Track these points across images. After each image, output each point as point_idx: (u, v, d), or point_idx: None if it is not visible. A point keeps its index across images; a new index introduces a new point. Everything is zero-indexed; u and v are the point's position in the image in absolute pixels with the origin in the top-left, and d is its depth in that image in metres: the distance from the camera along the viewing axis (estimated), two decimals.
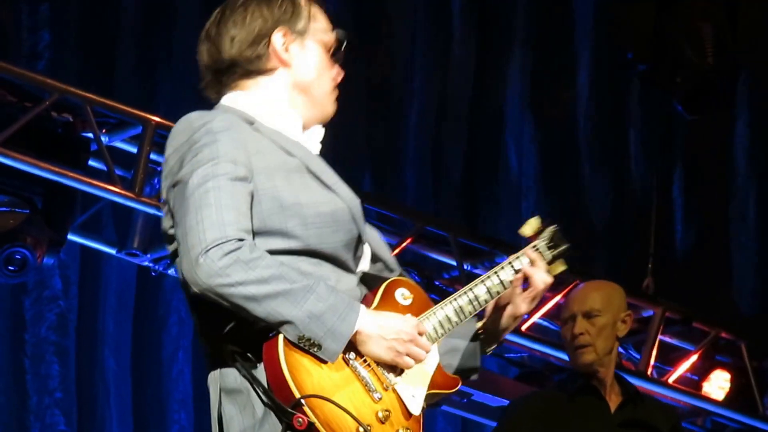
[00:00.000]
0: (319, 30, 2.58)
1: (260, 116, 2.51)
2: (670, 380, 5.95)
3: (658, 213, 6.48)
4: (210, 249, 2.27)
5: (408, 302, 2.49)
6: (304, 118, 2.55)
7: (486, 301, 2.56)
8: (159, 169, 4.93)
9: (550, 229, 2.67)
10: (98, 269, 5.46)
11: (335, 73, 2.59)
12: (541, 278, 2.56)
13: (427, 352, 2.39)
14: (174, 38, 5.59)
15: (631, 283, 6.02)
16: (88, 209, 5.03)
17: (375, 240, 2.58)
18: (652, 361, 5.83)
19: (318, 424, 2.29)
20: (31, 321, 5.31)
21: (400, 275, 2.55)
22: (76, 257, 5.40)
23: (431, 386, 2.46)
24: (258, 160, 2.43)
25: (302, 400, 2.27)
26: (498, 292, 2.57)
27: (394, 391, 2.41)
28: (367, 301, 2.45)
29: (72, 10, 5.44)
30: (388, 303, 2.47)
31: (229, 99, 2.53)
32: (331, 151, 6.54)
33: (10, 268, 4.69)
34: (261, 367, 2.34)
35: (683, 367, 5.98)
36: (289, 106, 2.53)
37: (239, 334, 2.37)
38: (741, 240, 7.01)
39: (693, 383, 6.07)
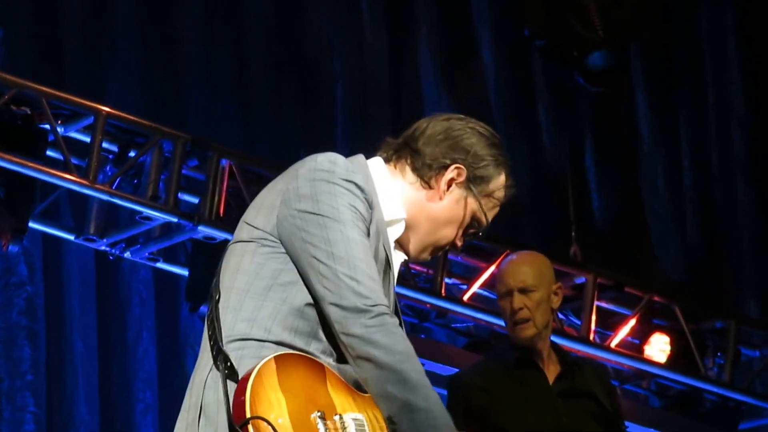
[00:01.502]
0: (485, 204, 2.58)
1: (382, 200, 2.53)
2: (612, 344, 6.00)
3: (573, 183, 6.58)
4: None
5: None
6: (407, 238, 2.56)
7: None
8: (111, 157, 5.01)
9: None
10: (60, 255, 5.46)
11: (454, 239, 2.59)
12: None
13: None
14: (116, 32, 5.63)
15: (559, 251, 6.10)
16: (46, 197, 5.08)
17: None
18: (592, 327, 5.87)
19: None
20: (1, 307, 5.35)
21: None
22: (39, 244, 5.39)
23: None
24: (371, 233, 2.47)
25: (250, 422, 2.29)
26: None
27: None
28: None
29: (22, 7, 5.48)
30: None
31: (381, 167, 2.57)
32: (268, 139, 6.65)
33: None
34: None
35: (623, 332, 6.02)
36: (408, 218, 2.54)
37: (243, 352, 2.41)
38: (654, 207, 7.06)
39: (635, 347, 6.10)
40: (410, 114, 6.63)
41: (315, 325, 2.47)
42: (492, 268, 5.68)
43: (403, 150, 2.59)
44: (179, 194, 5.14)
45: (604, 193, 7.04)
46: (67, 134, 4.96)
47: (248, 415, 2.32)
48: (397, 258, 2.60)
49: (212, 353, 2.46)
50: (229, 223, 5.10)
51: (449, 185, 2.57)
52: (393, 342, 2.39)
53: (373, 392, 2.43)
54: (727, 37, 7.42)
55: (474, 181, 2.58)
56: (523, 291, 3.94)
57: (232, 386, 2.40)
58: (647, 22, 6.71)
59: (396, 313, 2.57)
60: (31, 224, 5.02)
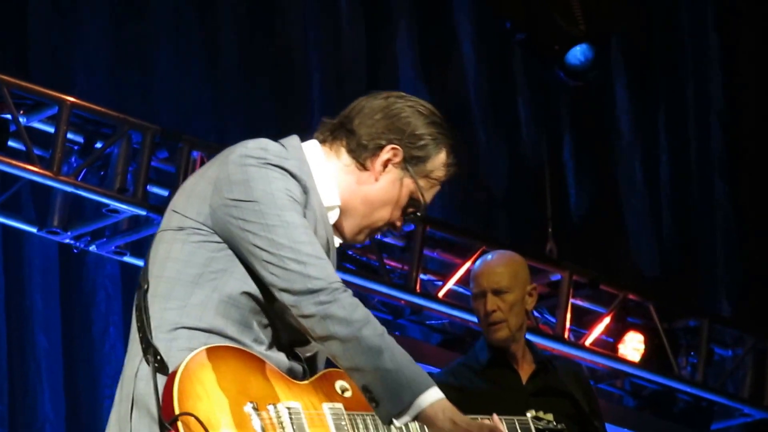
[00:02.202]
0: (423, 184, 2.52)
1: (318, 183, 2.49)
2: (587, 343, 6.00)
3: (551, 178, 6.56)
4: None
5: (347, 395, 2.49)
6: (343, 220, 2.52)
7: None
8: (76, 148, 4.93)
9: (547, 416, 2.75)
10: (21, 248, 5.40)
11: (392, 220, 2.54)
12: None
13: None
14: (83, 19, 5.53)
15: (535, 247, 6.08)
16: (7, 189, 4.99)
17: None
18: (567, 325, 5.88)
19: None
20: None
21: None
22: None
23: None
24: (307, 217, 2.42)
25: (179, 418, 2.26)
26: None
27: None
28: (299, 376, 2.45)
29: None
30: (323, 387, 2.47)
31: (316, 150, 2.51)
32: (240, 131, 6.55)
33: None
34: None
35: (597, 330, 6.03)
36: (343, 201, 2.51)
37: (173, 343, 2.37)
38: (632, 203, 7.03)
39: (609, 345, 6.10)
40: None
41: (247, 313, 2.43)
42: (467, 264, 5.63)
43: (339, 131, 2.52)
44: (148, 186, 5.06)
45: (581, 188, 7.00)
46: (29, 124, 4.90)
47: (177, 411, 2.28)
48: (335, 242, 2.56)
49: (141, 345, 2.41)
50: None
51: (385, 166, 2.51)
52: (349, 312, 2.35)
53: (344, 367, 2.40)
54: (708, 32, 7.38)
55: (411, 162, 2.51)
56: (497, 293, 3.89)
57: (162, 379, 2.36)
58: (628, 16, 6.60)
59: None
60: None
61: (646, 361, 6.11)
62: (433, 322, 5.92)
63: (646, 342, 6.11)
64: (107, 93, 5.39)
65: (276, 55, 6.20)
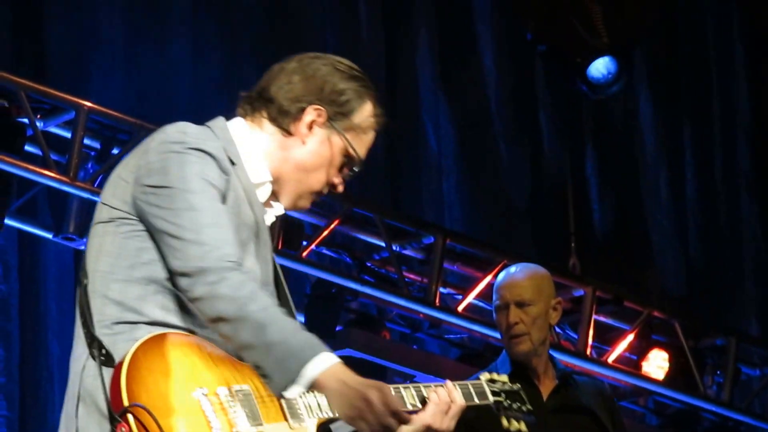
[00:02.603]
0: (353, 139, 2.51)
1: (246, 161, 2.49)
2: (610, 360, 5.97)
3: (574, 192, 6.58)
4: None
5: None
6: (278, 189, 2.52)
7: None
8: (93, 154, 4.95)
9: (502, 377, 2.74)
10: (36, 254, 5.39)
11: (332, 180, 2.53)
12: (455, 402, 2.60)
13: (384, 423, 2.31)
14: (100, 25, 5.56)
15: (558, 262, 6.08)
16: (24, 194, 5.00)
17: None
18: (590, 341, 5.86)
19: None
20: None
21: None
22: (14, 242, 5.33)
23: None
24: (228, 197, 2.43)
25: (128, 409, 2.25)
26: (412, 404, 2.58)
27: None
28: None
29: None
30: None
31: (240, 126, 2.51)
32: None
33: None
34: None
35: (621, 347, 6.01)
36: (273, 170, 2.50)
37: (118, 337, 2.37)
38: (657, 219, 7.03)
39: (632, 363, 6.08)
40: (406, 118, 6.56)
41: (185, 299, 2.43)
42: (488, 278, 5.62)
43: (258, 102, 2.52)
44: None
45: (604, 203, 7.01)
46: (46, 129, 4.91)
47: (126, 403, 2.29)
48: (277, 211, 2.56)
49: (86, 340, 2.41)
50: None
51: (310, 128, 2.51)
52: (234, 290, 2.33)
53: (234, 347, 2.38)
54: (735, 46, 7.38)
55: (336, 119, 2.50)
56: (520, 305, 3.86)
57: (109, 372, 2.35)
58: (652, 28, 6.60)
59: (277, 280, 2.56)
60: (6, 221, 4.94)
61: (671, 380, 6.09)
62: (451, 336, 5.91)
63: (670, 360, 6.09)
64: (124, 98, 5.40)
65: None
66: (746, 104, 7.31)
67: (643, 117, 7.15)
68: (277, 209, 2.55)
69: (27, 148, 4.81)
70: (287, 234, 5.26)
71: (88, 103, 4.84)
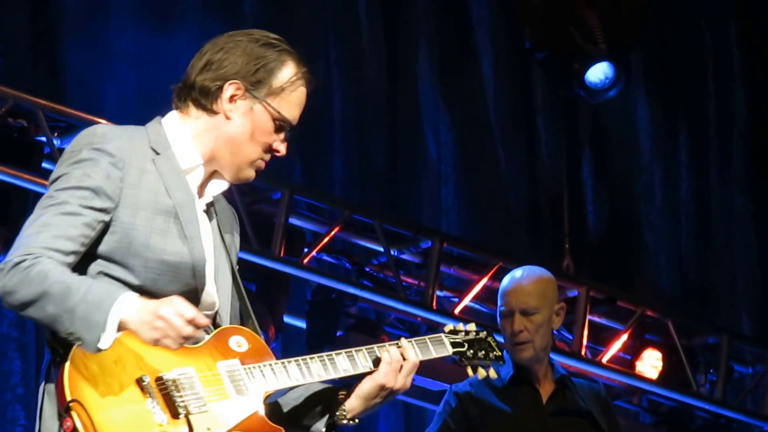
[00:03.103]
0: (279, 103, 2.58)
1: (174, 147, 2.57)
2: (604, 360, 5.99)
3: (569, 195, 6.61)
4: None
5: (242, 349, 2.54)
6: (218, 168, 2.60)
7: (346, 371, 2.59)
8: None
9: (469, 326, 2.73)
10: None
11: (269, 146, 2.59)
12: (408, 361, 2.61)
13: (185, 334, 2.36)
14: (114, 46, 5.65)
15: (552, 264, 6.01)
16: None
17: (226, 306, 2.62)
18: (584, 342, 5.88)
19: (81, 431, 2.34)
20: None
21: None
22: None
23: (239, 427, 2.48)
24: (130, 194, 2.50)
25: (70, 405, 2.34)
26: (365, 366, 2.61)
27: (188, 420, 2.42)
28: None
29: (20, 20, 5.49)
30: (219, 346, 2.52)
31: (172, 118, 2.61)
32: None
33: None
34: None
35: (615, 347, 6.02)
36: (205, 151, 2.57)
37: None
38: (650, 220, 7.03)
39: (626, 362, 6.10)
40: (408, 125, 6.64)
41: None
42: (484, 281, 5.69)
43: (183, 91, 2.61)
44: None
45: (599, 205, 7.04)
46: (63, 147, 4.98)
47: (68, 398, 2.37)
48: (220, 187, 2.63)
49: (46, 338, 2.53)
50: None
51: (232, 102, 2.57)
52: (24, 275, 2.40)
53: (45, 325, 2.44)
54: (731, 49, 7.41)
55: (255, 87, 2.57)
56: (525, 313, 3.91)
57: (58, 371, 2.45)
58: (648, 35, 6.68)
59: (234, 271, 2.62)
60: None
61: (664, 378, 6.12)
62: None
63: (664, 359, 6.13)
64: (137, 117, 5.59)
65: None
66: (741, 108, 7.33)
67: (639, 120, 7.17)
68: (221, 185, 2.62)
69: (44, 165, 4.92)
70: (289, 242, 5.34)
71: (103, 121, 4.87)
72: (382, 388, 2.60)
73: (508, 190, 6.81)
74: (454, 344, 2.74)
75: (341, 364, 2.58)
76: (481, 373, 2.72)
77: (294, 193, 5.43)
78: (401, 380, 2.61)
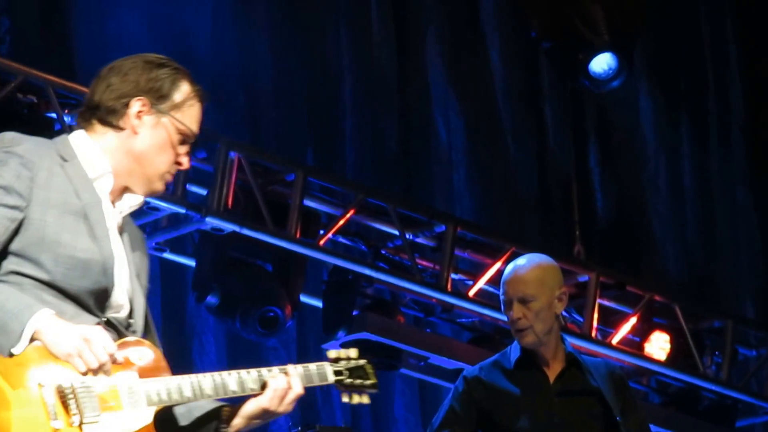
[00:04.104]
0: (181, 116, 2.58)
1: (80, 157, 2.56)
2: (614, 342, 5.91)
3: (578, 183, 6.51)
4: None
5: (141, 363, 2.49)
6: (129, 182, 2.60)
7: (234, 393, 2.56)
8: None
9: (350, 353, 2.69)
10: None
11: (176, 159, 2.58)
12: (291, 390, 2.58)
13: (101, 361, 2.36)
14: (125, 22, 5.46)
15: (563, 249, 6.01)
16: None
17: (138, 303, 2.60)
18: (594, 324, 5.80)
19: None
20: None
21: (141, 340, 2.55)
22: None
23: None
24: (40, 194, 2.48)
25: None
26: (252, 389, 2.57)
27: (81, 428, 2.37)
28: None
29: None
30: (123, 359, 2.48)
31: (78, 135, 2.60)
32: (274, 132, 6.48)
33: None
34: None
35: (624, 329, 5.96)
36: (115, 166, 2.57)
37: None
38: (657, 207, 6.97)
39: (635, 344, 6.02)
40: (417, 112, 6.51)
41: (36, 292, 2.47)
42: (497, 265, 5.57)
43: (87, 112, 2.60)
44: (187, 185, 4.99)
45: (607, 193, 6.95)
46: (73, 123, 4.77)
47: None
48: (133, 201, 2.63)
49: None
50: (237, 214, 4.99)
51: (139, 117, 2.57)
52: None
53: None
54: (728, 45, 7.32)
55: (159, 102, 2.58)
56: (522, 301, 3.77)
57: None
58: (650, 27, 6.52)
59: (139, 273, 2.61)
60: None
61: (672, 360, 6.04)
62: (463, 320, 5.83)
63: (671, 342, 6.04)
64: None
65: (308, 62, 6.14)
66: (740, 100, 7.25)
67: (642, 112, 7.10)
68: (134, 200, 2.62)
69: None
70: (305, 223, 5.17)
71: None
72: (266, 411, 2.60)
73: (518, 178, 6.78)
74: (336, 373, 2.71)
75: (231, 385, 2.56)
76: (355, 398, 2.70)
77: (308, 175, 5.23)
78: (284, 407, 2.61)
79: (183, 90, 2.57)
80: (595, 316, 5.78)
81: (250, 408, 2.56)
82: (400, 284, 5.41)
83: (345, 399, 2.68)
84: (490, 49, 6.64)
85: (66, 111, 4.69)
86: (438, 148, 6.46)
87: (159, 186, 2.60)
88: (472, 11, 6.63)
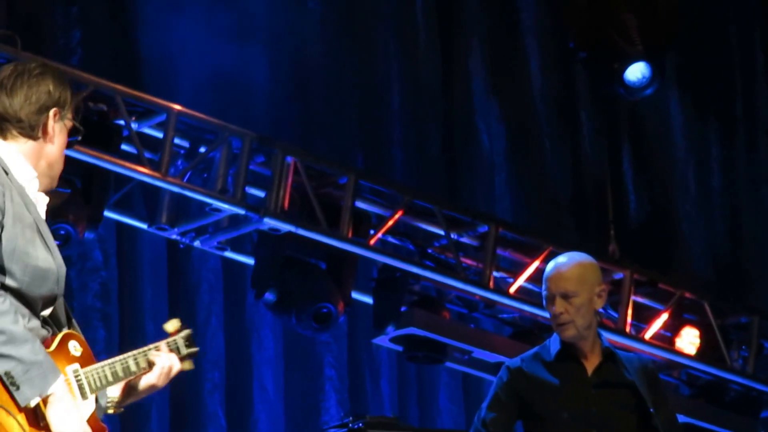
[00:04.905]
0: (73, 117, 2.68)
1: (14, 170, 2.60)
2: (646, 336, 5.87)
3: (612, 185, 6.49)
4: None
5: (78, 354, 2.58)
6: (41, 186, 2.65)
7: (134, 373, 2.67)
8: (182, 152, 4.88)
9: (187, 331, 2.81)
10: (133, 242, 5.36)
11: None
12: (173, 366, 2.70)
13: None
14: (189, 36, 5.45)
15: (598, 248, 5.94)
16: (120, 188, 4.96)
17: (60, 303, 2.65)
18: (628, 320, 5.75)
19: None
20: (77, 290, 5.20)
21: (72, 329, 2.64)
22: (113, 232, 5.29)
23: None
24: (9, 206, 2.54)
25: None
26: (143, 368, 2.68)
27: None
28: (47, 343, 2.54)
29: (99, 10, 5.35)
30: (63, 351, 2.55)
31: (3, 146, 2.60)
32: (327, 138, 6.45)
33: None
34: None
35: (656, 325, 5.91)
36: (35, 170, 2.62)
37: None
38: (686, 208, 6.91)
39: (666, 339, 5.97)
40: (460, 118, 6.50)
41: None
42: (537, 263, 5.54)
43: (4, 124, 2.63)
44: (246, 188, 5.01)
45: (640, 195, 6.90)
46: (140, 130, 4.87)
47: None
48: (44, 201, 2.67)
49: None
50: (294, 215, 5.00)
51: (53, 127, 2.64)
52: None
53: None
54: (756, 53, 7.23)
55: (64, 109, 2.66)
56: (565, 296, 3.72)
57: None
58: (682, 36, 6.41)
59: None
60: (106, 213, 4.91)
61: (701, 354, 6.00)
62: (504, 315, 5.79)
63: (701, 337, 5.99)
64: (210, 103, 5.25)
65: (359, 72, 6.14)
66: (766, 105, 7.16)
67: (673, 117, 7.03)
68: (44, 199, 2.66)
69: (123, 147, 4.77)
70: (356, 224, 5.17)
71: (178, 107, 4.80)
72: (153, 386, 2.73)
73: (555, 180, 6.73)
74: (186, 346, 2.80)
75: (132, 367, 2.68)
76: (184, 366, 2.80)
77: (359, 178, 5.25)
78: (166, 381, 2.74)
79: (70, 97, 2.68)
80: (629, 312, 5.73)
81: (142, 384, 2.68)
82: (445, 282, 5.39)
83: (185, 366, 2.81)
84: (530, 59, 6.63)
85: (133, 118, 4.73)
86: (480, 152, 6.45)
87: (55, 184, 2.69)
88: (512, 24, 6.63)
